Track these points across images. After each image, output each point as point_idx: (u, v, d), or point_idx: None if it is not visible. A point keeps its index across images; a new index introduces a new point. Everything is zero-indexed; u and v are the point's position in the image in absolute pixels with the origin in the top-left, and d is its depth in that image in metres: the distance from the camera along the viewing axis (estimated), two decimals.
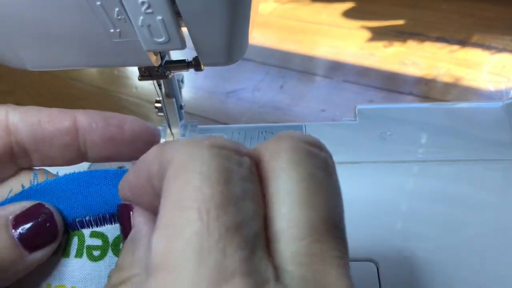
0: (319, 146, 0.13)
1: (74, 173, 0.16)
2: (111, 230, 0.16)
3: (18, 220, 0.14)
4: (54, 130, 0.16)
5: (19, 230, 0.14)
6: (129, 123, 0.17)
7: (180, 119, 0.34)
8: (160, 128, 0.35)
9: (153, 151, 0.13)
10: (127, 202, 0.15)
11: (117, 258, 0.15)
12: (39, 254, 0.14)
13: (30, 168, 0.17)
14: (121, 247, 0.16)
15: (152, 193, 0.13)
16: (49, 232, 0.15)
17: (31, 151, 0.16)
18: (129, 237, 0.14)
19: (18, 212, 0.15)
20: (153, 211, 0.14)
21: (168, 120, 0.33)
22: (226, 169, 0.11)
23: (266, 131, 0.36)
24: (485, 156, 0.32)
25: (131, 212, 0.15)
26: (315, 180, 0.12)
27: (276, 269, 0.11)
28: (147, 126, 0.17)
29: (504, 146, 0.33)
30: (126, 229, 0.15)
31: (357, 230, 0.27)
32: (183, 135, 0.34)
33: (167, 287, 0.10)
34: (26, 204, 0.15)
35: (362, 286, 0.24)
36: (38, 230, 0.15)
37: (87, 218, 0.16)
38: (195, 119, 0.55)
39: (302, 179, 0.12)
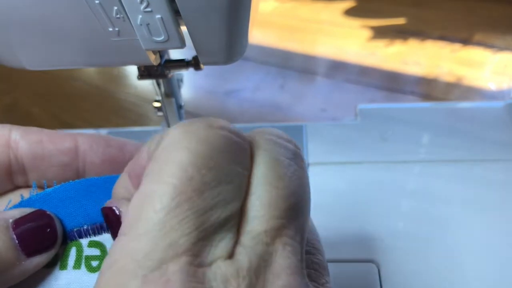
0: (289, 140, 0.15)
1: (72, 182, 0.16)
2: (109, 239, 0.15)
3: (18, 223, 0.14)
4: (54, 149, 0.16)
5: (19, 233, 0.14)
6: (129, 145, 0.17)
7: (180, 118, 0.34)
8: (159, 128, 0.35)
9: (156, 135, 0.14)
10: (110, 204, 0.14)
11: None
12: (36, 260, 0.14)
13: (28, 186, 0.17)
14: None
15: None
16: (48, 238, 0.15)
17: (29, 169, 0.17)
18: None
19: (18, 216, 0.14)
20: None
21: (168, 119, 0.33)
22: (218, 150, 0.12)
23: None
24: (487, 156, 0.32)
25: (115, 208, 0.14)
26: (282, 167, 0.13)
27: (237, 247, 0.12)
28: None
29: (506, 146, 0.33)
30: (114, 229, 0.14)
31: (358, 231, 0.27)
32: None
33: (127, 252, 0.11)
34: (26, 210, 0.15)
35: (363, 287, 0.24)
36: (37, 234, 0.14)
37: (85, 227, 0.15)
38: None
39: (272, 165, 0.13)
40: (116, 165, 0.17)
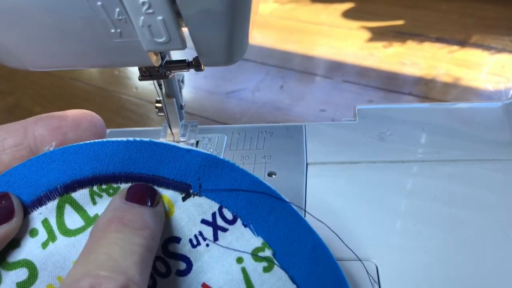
0: None
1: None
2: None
3: None
4: (3, 133, 0.18)
5: None
6: (69, 112, 0.19)
7: (181, 119, 0.34)
8: (160, 128, 0.35)
9: None
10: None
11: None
12: None
13: None
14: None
15: None
16: (5, 210, 0.16)
17: None
18: None
19: None
20: None
21: (169, 120, 0.33)
22: None
23: (266, 131, 0.36)
24: (485, 156, 0.32)
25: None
26: None
27: None
28: (87, 112, 0.20)
29: (503, 146, 0.33)
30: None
31: (357, 230, 0.27)
32: (184, 135, 0.35)
33: None
34: None
35: (361, 286, 0.24)
36: None
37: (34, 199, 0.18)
38: (195, 119, 0.55)
39: None
40: (62, 131, 0.19)
